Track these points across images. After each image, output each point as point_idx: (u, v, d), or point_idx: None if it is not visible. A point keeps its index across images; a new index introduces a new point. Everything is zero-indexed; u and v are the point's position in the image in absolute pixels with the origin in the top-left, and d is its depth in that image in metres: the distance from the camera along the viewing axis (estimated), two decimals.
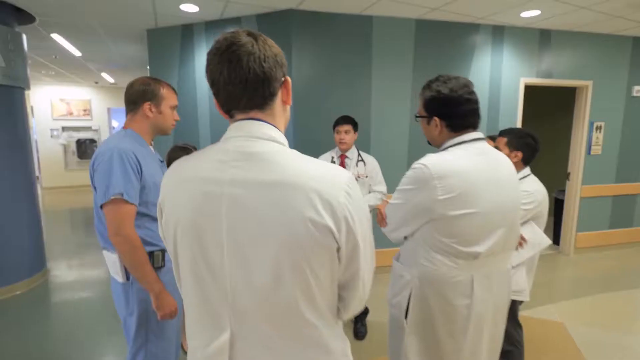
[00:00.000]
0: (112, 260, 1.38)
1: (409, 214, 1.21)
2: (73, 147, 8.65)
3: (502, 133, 1.92)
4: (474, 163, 1.15)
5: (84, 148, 8.74)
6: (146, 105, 1.42)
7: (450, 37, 3.53)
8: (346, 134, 2.51)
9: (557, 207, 4.60)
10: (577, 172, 4.18)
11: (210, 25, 3.47)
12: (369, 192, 2.61)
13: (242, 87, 0.69)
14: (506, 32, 3.66)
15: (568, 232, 4.31)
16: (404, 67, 3.47)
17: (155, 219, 1.40)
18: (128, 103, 1.43)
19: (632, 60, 4.11)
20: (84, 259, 4.06)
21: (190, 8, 3.13)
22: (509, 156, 1.86)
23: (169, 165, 2.18)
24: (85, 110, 8.65)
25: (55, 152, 8.46)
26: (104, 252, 1.42)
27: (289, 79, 0.76)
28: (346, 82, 3.35)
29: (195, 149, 2.28)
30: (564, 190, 4.49)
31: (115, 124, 10.01)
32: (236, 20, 3.36)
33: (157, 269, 1.39)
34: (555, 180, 5.05)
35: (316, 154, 3.47)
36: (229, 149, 0.70)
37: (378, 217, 1.43)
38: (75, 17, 3.48)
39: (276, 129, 0.73)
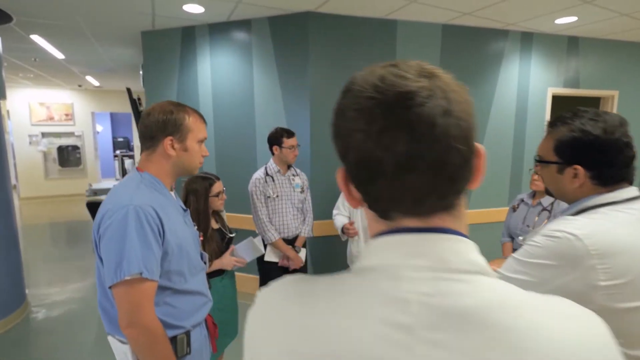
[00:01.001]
0: (121, 352, 1.02)
1: None
2: (54, 154, 8.07)
3: None
4: None
5: (66, 155, 8.17)
6: (167, 141, 1.08)
7: (478, 43, 3.27)
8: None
9: None
10: None
11: (215, 28, 3.11)
12: None
13: (433, 175, 0.37)
14: (535, 38, 3.43)
15: None
16: None
17: (179, 292, 1.06)
18: (144, 138, 1.09)
19: None
20: (68, 284, 3.62)
21: (194, 9, 2.77)
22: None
23: (185, 201, 1.82)
24: (67, 115, 8.08)
25: (34, 160, 7.87)
26: (110, 338, 1.06)
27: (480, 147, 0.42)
28: None
29: (218, 179, 1.93)
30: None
31: (99, 128, 9.45)
32: (245, 24, 3.01)
33: (181, 358, 1.05)
34: None
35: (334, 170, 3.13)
36: (409, 299, 0.36)
37: None
38: (59, 18, 3.06)
39: (473, 245, 0.41)
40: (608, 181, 0.89)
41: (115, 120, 10.66)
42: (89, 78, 6.49)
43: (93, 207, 3.41)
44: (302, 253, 2.40)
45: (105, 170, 9.75)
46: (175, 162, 1.12)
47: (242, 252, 1.88)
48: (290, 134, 2.32)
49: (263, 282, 2.39)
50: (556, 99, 3.74)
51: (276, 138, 2.31)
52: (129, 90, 4.31)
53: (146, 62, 3.35)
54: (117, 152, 9.90)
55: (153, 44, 3.31)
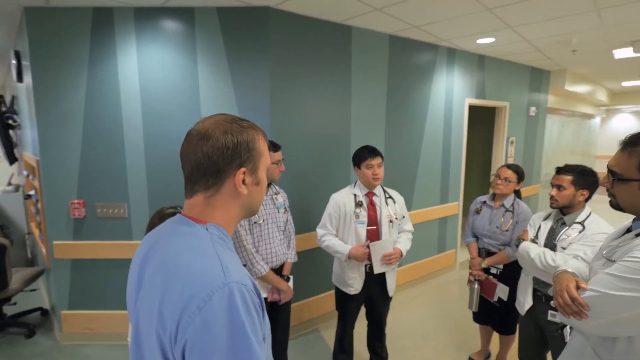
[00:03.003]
0: None
1: None
2: None
3: (563, 171, 1.87)
4: None
5: None
6: (240, 175, 0.75)
7: (416, 55, 3.49)
8: (379, 167, 2.11)
9: None
10: None
11: (144, 13, 2.48)
12: (398, 233, 2.27)
13: None
14: (457, 54, 3.85)
15: None
16: (380, 82, 3.24)
17: None
18: (202, 173, 0.74)
19: (530, 86, 4.94)
20: None
21: None
22: (575, 195, 1.83)
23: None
24: None
25: None
26: None
27: None
28: (326, 94, 2.90)
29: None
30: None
31: None
32: (186, 12, 2.49)
33: None
34: (477, 187, 5.72)
35: (297, 175, 2.90)
36: None
37: (562, 301, 1.12)
38: None
39: None
40: None
41: None
42: None
43: None
44: (291, 282, 2.12)
45: None
46: (244, 203, 0.80)
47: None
48: (276, 147, 2.01)
49: None
50: (470, 108, 4.30)
51: None
52: None
53: (33, 50, 2.45)
54: None
55: (45, 26, 2.44)
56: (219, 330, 0.59)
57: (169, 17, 2.49)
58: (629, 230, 1.13)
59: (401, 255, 2.16)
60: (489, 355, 2.73)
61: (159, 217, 1.43)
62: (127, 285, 0.85)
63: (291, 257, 2.16)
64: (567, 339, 1.83)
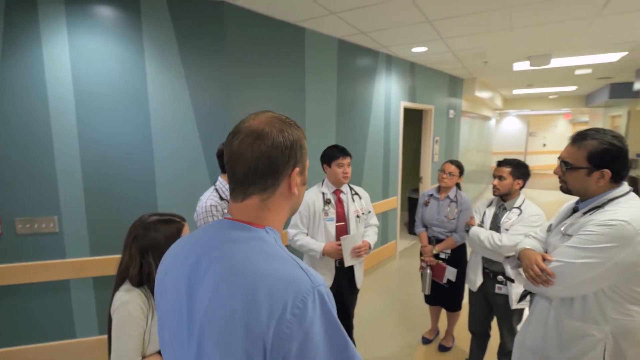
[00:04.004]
0: None
1: (607, 272, 1.19)
2: None
3: (503, 163, 2.19)
4: None
5: None
6: (295, 175, 0.74)
7: (361, 60, 3.69)
8: (348, 166, 2.20)
9: (410, 204, 5.70)
10: (427, 176, 5.32)
11: (75, 2, 2.16)
12: (365, 227, 2.39)
13: None
14: (393, 60, 4.17)
15: None
16: (331, 84, 3.35)
17: None
18: (259, 175, 0.69)
19: (448, 92, 5.58)
20: None
21: None
22: (513, 184, 2.16)
23: (141, 267, 1.29)
24: None
25: None
26: None
27: None
28: (283, 93, 2.90)
29: (184, 220, 1.40)
30: (415, 190, 5.61)
31: None
32: (131, 2, 2.24)
33: None
34: (409, 182, 6.22)
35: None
36: None
37: (533, 273, 1.34)
38: None
39: None
40: (621, 179, 1.27)
41: None
42: None
43: None
44: None
45: None
46: (293, 204, 0.78)
47: None
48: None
49: None
50: (404, 110, 4.69)
51: None
52: None
53: None
54: None
55: None
56: (318, 336, 0.59)
57: (109, 4, 2.22)
58: (575, 210, 1.39)
59: (370, 247, 2.28)
60: (438, 332, 3.04)
61: (143, 227, 1.29)
62: (161, 307, 0.75)
63: None
64: (513, 306, 2.16)
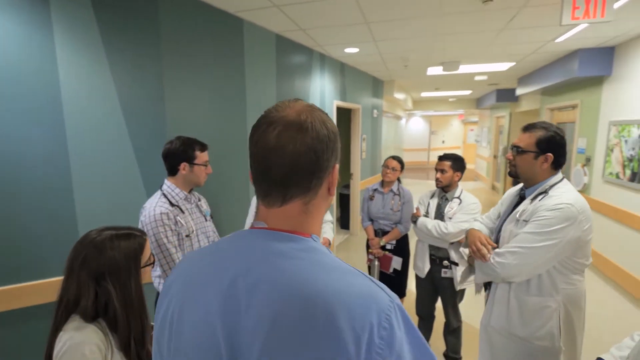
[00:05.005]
0: None
1: (561, 251, 1.37)
2: None
3: (444, 158, 2.39)
4: None
5: None
6: (336, 171, 0.67)
7: (297, 57, 3.65)
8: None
9: (342, 200, 5.89)
10: (357, 172, 5.56)
11: None
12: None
13: None
14: (326, 60, 4.23)
15: (355, 217, 5.66)
16: (270, 80, 3.23)
17: None
18: (308, 172, 0.60)
19: (372, 92, 5.91)
20: None
21: None
22: (453, 176, 2.38)
23: (96, 296, 1.08)
24: None
25: None
26: None
27: None
28: (223, 85, 2.69)
29: (144, 233, 1.19)
30: (346, 186, 5.81)
31: None
32: None
33: None
34: (340, 178, 6.39)
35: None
36: None
37: (475, 248, 1.50)
38: None
39: None
40: (560, 166, 1.49)
41: None
42: None
43: None
44: None
45: None
46: (327, 207, 0.73)
47: None
48: (203, 146, 1.75)
49: None
50: (337, 109, 4.80)
51: (185, 152, 1.67)
52: None
53: None
54: None
55: None
56: (410, 358, 0.52)
57: None
58: (522, 197, 1.59)
59: (329, 243, 2.27)
60: None
61: (95, 246, 1.06)
62: (177, 354, 0.57)
63: None
64: (457, 287, 2.38)
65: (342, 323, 0.48)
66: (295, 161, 0.57)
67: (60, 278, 1.10)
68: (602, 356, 1.02)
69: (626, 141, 3.63)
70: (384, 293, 0.53)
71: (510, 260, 1.41)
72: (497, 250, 1.49)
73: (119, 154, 2.12)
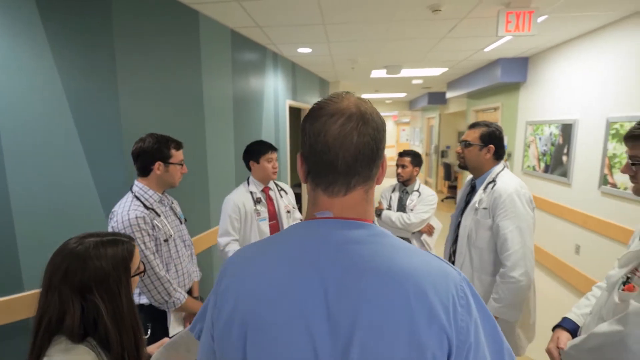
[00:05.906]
0: None
1: (532, 231, 1.59)
2: None
3: (405, 154, 2.57)
4: None
5: None
6: (386, 160, 0.73)
7: (252, 54, 3.58)
8: (276, 161, 2.13)
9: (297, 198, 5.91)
10: None
11: None
12: (293, 221, 2.37)
13: None
14: (279, 59, 4.21)
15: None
16: (227, 77, 3.13)
17: None
18: (370, 160, 0.64)
19: (319, 93, 6.02)
20: None
21: None
22: (412, 171, 2.57)
23: (83, 311, 0.96)
24: None
25: None
26: None
27: None
28: (179, 80, 2.54)
29: (132, 239, 1.10)
30: (297, 185, 5.85)
31: None
32: None
33: None
34: (292, 178, 6.36)
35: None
36: None
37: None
38: None
39: None
40: (501, 157, 1.72)
41: None
42: None
43: None
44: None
45: None
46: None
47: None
48: (178, 144, 1.64)
49: None
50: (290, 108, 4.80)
51: (160, 150, 1.55)
52: None
53: None
54: None
55: None
56: (483, 325, 0.58)
57: None
58: (473, 186, 1.79)
59: None
60: None
61: (77, 257, 0.94)
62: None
63: (198, 275, 1.84)
64: None
65: (432, 297, 0.54)
66: (359, 151, 0.60)
67: None
68: (567, 315, 1.22)
69: (540, 138, 4.25)
70: (452, 268, 0.60)
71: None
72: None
73: (66, 151, 1.88)
